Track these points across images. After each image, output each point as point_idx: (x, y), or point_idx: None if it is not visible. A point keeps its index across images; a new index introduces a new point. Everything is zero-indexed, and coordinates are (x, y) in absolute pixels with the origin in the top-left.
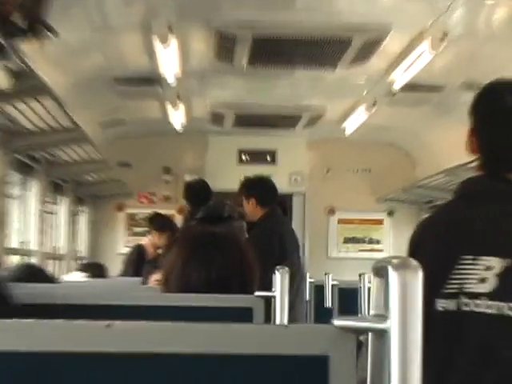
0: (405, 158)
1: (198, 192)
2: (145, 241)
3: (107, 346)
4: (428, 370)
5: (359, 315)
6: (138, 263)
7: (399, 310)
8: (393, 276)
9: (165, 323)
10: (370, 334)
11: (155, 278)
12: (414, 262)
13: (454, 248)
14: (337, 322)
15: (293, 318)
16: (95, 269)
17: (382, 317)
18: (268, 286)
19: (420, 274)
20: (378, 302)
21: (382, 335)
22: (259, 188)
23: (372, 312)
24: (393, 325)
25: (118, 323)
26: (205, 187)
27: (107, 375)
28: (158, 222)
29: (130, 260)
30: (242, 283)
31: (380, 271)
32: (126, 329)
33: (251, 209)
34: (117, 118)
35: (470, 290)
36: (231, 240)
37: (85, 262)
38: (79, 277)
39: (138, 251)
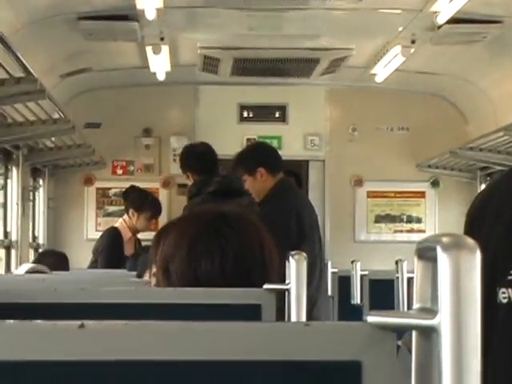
0: (453, 113)
1: (204, 157)
2: (120, 223)
3: (79, 352)
4: (492, 376)
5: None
6: (111, 251)
7: (452, 303)
8: (443, 259)
9: (150, 323)
10: (414, 332)
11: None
12: (470, 241)
13: None
14: (371, 319)
15: (316, 318)
16: (53, 259)
17: (430, 311)
18: (285, 278)
19: (478, 256)
20: (424, 292)
21: (429, 334)
22: (265, 153)
23: (416, 305)
24: (443, 321)
25: (92, 323)
26: (212, 152)
27: None
28: (136, 198)
29: (101, 248)
30: (265, 274)
31: (426, 253)
32: (103, 330)
33: (259, 184)
34: (82, 65)
35: None
36: (248, 221)
37: (44, 250)
38: (24, 269)
39: (112, 236)
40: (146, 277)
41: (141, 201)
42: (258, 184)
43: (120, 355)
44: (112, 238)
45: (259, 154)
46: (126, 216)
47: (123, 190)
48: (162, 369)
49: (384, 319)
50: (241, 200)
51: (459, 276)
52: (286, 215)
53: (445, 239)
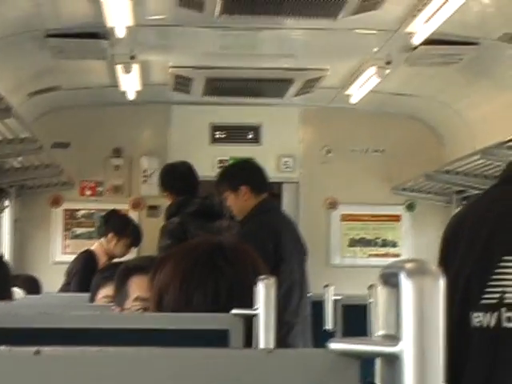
0: (429, 135)
1: (185, 178)
2: (96, 246)
3: (35, 379)
4: None
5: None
6: (85, 274)
7: (414, 330)
8: (406, 285)
9: (108, 349)
10: (378, 360)
11: (104, 293)
12: (433, 268)
13: (495, 246)
14: (334, 345)
15: (290, 344)
16: (27, 283)
17: (393, 338)
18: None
19: (441, 283)
20: (388, 318)
21: (393, 361)
22: (250, 171)
23: (380, 332)
24: (406, 348)
25: (48, 349)
26: (193, 172)
27: None
28: (118, 223)
29: (75, 270)
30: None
31: (389, 279)
32: (59, 356)
33: (241, 202)
34: (50, 83)
35: None
36: (244, 252)
37: (14, 274)
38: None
39: (87, 259)
40: (99, 300)
41: (123, 226)
42: (239, 202)
43: (77, 382)
44: (87, 261)
45: (245, 173)
46: (103, 239)
47: (91, 211)
48: None
49: (346, 346)
50: (220, 222)
51: (422, 303)
52: (264, 234)
53: (408, 265)
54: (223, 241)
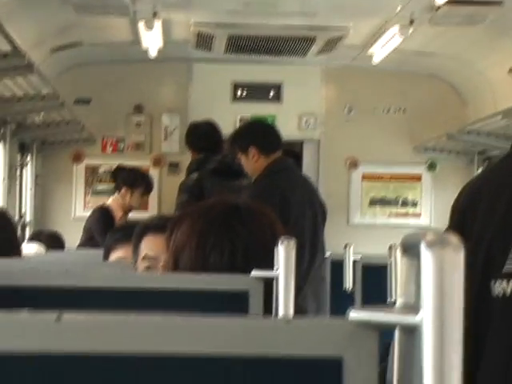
0: (451, 94)
1: (205, 137)
2: (110, 201)
3: (56, 345)
4: (494, 362)
5: (388, 301)
6: (104, 230)
7: (434, 301)
8: (426, 256)
9: (127, 317)
10: (397, 329)
11: (117, 255)
12: (454, 239)
13: None
14: (353, 315)
15: (300, 307)
16: (50, 239)
17: (413, 308)
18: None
19: (462, 254)
20: (408, 288)
21: (411, 332)
22: (258, 132)
23: (400, 301)
24: (425, 319)
25: (69, 316)
26: (215, 131)
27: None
28: (128, 176)
29: (93, 226)
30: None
31: (410, 249)
32: (79, 323)
33: (251, 163)
34: (72, 39)
35: None
36: (261, 214)
37: (37, 229)
38: (34, 249)
39: (104, 214)
40: (113, 258)
41: (133, 178)
42: (250, 163)
43: (98, 349)
44: (104, 216)
45: (251, 133)
46: (117, 195)
47: (113, 167)
48: (140, 362)
49: (365, 316)
50: (240, 181)
51: (442, 274)
52: (270, 195)
53: (429, 236)
54: (239, 201)
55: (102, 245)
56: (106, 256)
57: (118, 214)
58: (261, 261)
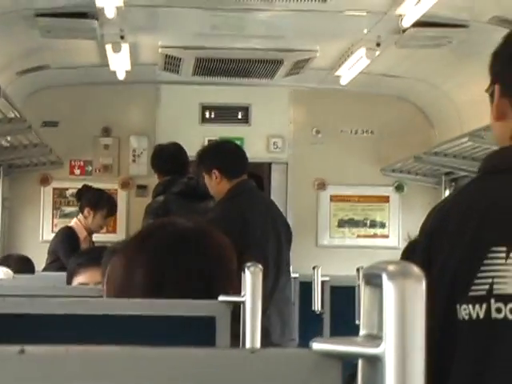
0: (418, 116)
1: (171, 159)
2: (74, 223)
3: (20, 378)
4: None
5: (357, 321)
6: (71, 251)
7: (396, 331)
8: (388, 287)
9: (93, 348)
10: (360, 360)
11: (79, 280)
12: (415, 270)
13: (483, 238)
14: (317, 346)
15: (264, 329)
16: (20, 262)
17: (376, 338)
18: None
19: (423, 285)
20: (371, 318)
21: (374, 362)
22: (222, 155)
23: (363, 332)
24: (388, 350)
25: (33, 348)
26: (182, 153)
27: None
28: (92, 197)
29: (58, 248)
30: (208, 291)
31: (372, 279)
32: (45, 355)
33: (214, 185)
34: (39, 62)
35: (504, 292)
36: (199, 236)
37: (6, 254)
38: (1, 273)
39: (68, 235)
40: (75, 283)
41: (97, 199)
42: (213, 184)
43: (62, 382)
44: (69, 237)
45: (216, 156)
46: (80, 216)
47: None
48: None
49: (329, 347)
50: (206, 203)
51: (404, 305)
52: (230, 219)
53: (390, 267)
54: (187, 229)
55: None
56: (69, 281)
57: (82, 234)
58: (191, 281)
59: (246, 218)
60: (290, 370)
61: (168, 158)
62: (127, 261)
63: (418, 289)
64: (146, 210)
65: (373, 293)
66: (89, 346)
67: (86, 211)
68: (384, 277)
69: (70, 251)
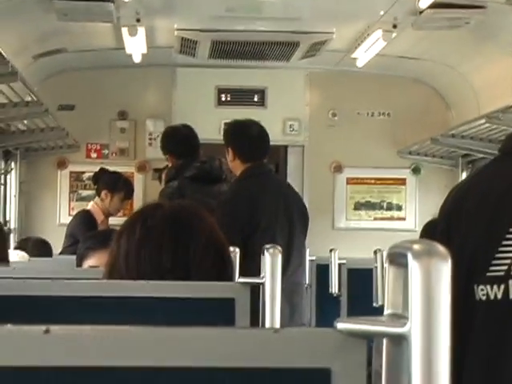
0: (434, 98)
1: (186, 141)
2: (91, 206)
3: (45, 358)
4: (471, 374)
5: (374, 304)
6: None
7: (422, 311)
8: (414, 266)
9: (116, 328)
10: (384, 339)
11: (89, 263)
12: (441, 249)
13: (501, 219)
14: (341, 325)
15: None
16: (37, 246)
17: (401, 318)
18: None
19: (449, 264)
20: (396, 298)
21: (399, 341)
22: (237, 136)
23: (387, 311)
24: (413, 329)
25: (58, 328)
26: (194, 135)
27: None
28: (109, 180)
29: (75, 231)
30: (208, 274)
31: (397, 259)
32: (69, 335)
33: (230, 162)
34: (55, 46)
35: None
36: (191, 216)
37: (24, 236)
38: (17, 257)
39: (85, 218)
40: (85, 266)
41: (114, 181)
42: (229, 161)
43: (85, 361)
44: (87, 220)
45: (234, 135)
46: (97, 199)
47: None
48: (128, 375)
49: (354, 326)
50: (219, 186)
51: (429, 284)
52: (237, 202)
53: (416, 246)
54: (166, 205)
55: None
56: (79, 264)
57: (99, 217)
58: (190, 264)
59: (256, 202)
60: (314, 350)
61: (181, 140)
62: (117, 246)
63: (444, 267)
64: (160, 195)
65: (397, 272)
66: (112, 326)
67: (103, 194)
68: (409, 256)
69: (86, 233)
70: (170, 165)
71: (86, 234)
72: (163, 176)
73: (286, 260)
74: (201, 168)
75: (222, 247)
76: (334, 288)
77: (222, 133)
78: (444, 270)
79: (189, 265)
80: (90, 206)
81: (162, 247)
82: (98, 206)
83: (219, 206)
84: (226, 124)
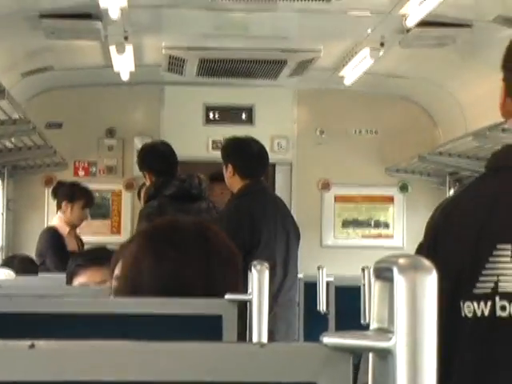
0: (422, 116)
1: (165, 158)
2: (55, 221)
3: (30, 373)
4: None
5: (362, 321)
6: (57, 250)
7: (407, 325)
8: (399, 280)
9: (102, 343)
10: (370, 354)
11: (79, 280)
12: (426, 263)
13: (488, 236)
14: (327, 340)
15: (270, 328)
16: (24, 263)
17: (386, 332)
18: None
19: (434, 278)
20: (381, 312)
21: (385, 356)
22: (238, 152)
23: (373, 325)
24: (399, 343)
25: (43, 343)
26: (173, 152)
27: None
28: (67, 190)
29: (43, 249)
30: (209, 289)
31: (383, 273)
32: (54, 350)
33: (227, 177)
34: (43, 63)
35: (509, 290)
36: (197, 231)
37: (10, 254)
38: (4, 274)
39: (50, 235)
40: (75, 283)
41: (71, 192)
42: (227, 177)
43: (71, 376)
44: (51, 236)
45: (235, 151)
46: (59, 213)
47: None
48: None
49: (340, 340)
50: (199, 204)
51: (415, 298)
52: (239, 217)
53: (401, 260)
54: (178, 220)
55: (58, 264)
56: (69, 281)
57: (64, 230)
58: (193, 281)
59: (255, 218)
60: (301, 364)
61: (159, 157)
62: (134, 259)
63: (429, 282)
64: (140, 215)
65: (383, 286)
66: (98, 341)
67: (63, 206)
68: (395, 270)
69: (54, 251)
70: (147, 182)
71: (52, 250)
72: (142, 194)
73: (283, 277)
74: (180, 186)
75: (239, 260)
76: (322, 306)
77: (210, 150)
78: (430, 284)
79: (213, 279)
80: (53, 221)
81: (184, 262)
82: (62, 219)
83: (218, 221)
84: (225, 140)
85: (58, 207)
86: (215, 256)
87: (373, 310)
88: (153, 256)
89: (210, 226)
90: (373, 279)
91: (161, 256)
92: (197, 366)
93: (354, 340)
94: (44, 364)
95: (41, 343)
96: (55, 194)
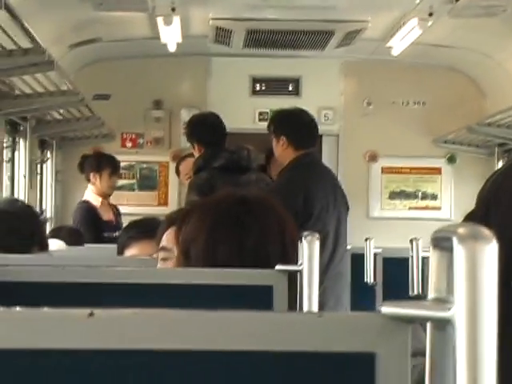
0: (470, 87)
1: (214, 129)
2: (86, 194)
3: (89, 341)
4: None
5: (410, 293)
6: (90, 225)
7: (467, 295)
8: (459, 250)
9: (159, 311)
10: (428, 324)
11: (130, 252)
12: (486, 232)
13: None
14: (385, 310)
15: (320, 301)
16: (70, 235)
17: (445, 302)
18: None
19: (495, 247)
20: (440, 282)
21: (444, 326)
22: (291, 123)
23: (431, 295)
24: (458, 313)
25: (101, 312)
26: (222, 123)
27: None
28: (91, 162)
29: (77, 224)
30: (284, 258)
31: (441, 243)
32: (112, 318)
33: (280, 150)
34: (91, 35)
35: None
36: (269, 206)
37: (57, 225)
38: (55, 245)
39: (82, 211)
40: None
41: (97, 162)
42: (278, 150)
43: (129, 344)
44: (85, 212)
45: (287, 122)
46: (89, 185)
47: (132, 163)
48: (170, 358)
49: (398, 310)
50: (248, 176)
51: (475, 268)
52: (293, 189)
53: (461, 230)
54: (247, 195)
55: (89, 239)
56: (120, 253)
57: (97, 202)
58: (270, 255)
59: (308, 190)
60: (358, 334)
61: (209, 128)
62: (208, 231)
63: (489, 251)
64: (189, 186)
65: (441, 256)
66: (155, 310)
67: (91, 177)
68: (454, 240)
69: (89, 224)
70: (196, 153)
71: (87, 223)
72: (180, 168)
73: (334, 248)
74: (230, 158)
75: (295, 232)
76: (369, 277)
77: (256, 121)
78: (489, 254)
79: (287, 252)
80: (86, 195)
81: (231, 234)
82: (93, 191)
83: (271, 192)
84: (274, 112)
85: (87, 180)
86: (288, 228)
87: (430, 280)
88: (234, 230)
89: (272, 199)
90: (431, 249)
91: (243, 229)
92: (253, 335)
93: (413, 310)
94: (103, 332)
95: (100, 312)
96: (81, 168)
